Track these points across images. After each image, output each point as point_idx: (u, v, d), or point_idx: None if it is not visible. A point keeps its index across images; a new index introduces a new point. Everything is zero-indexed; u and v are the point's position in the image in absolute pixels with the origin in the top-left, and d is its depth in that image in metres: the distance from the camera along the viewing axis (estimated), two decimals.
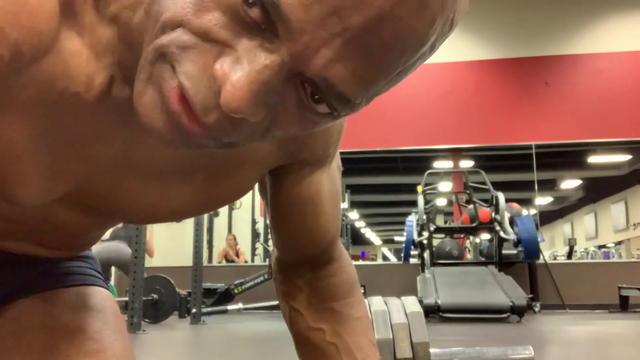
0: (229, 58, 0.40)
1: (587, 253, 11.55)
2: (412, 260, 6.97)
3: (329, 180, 0.73)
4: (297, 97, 0.43)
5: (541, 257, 6.50)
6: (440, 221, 9.80)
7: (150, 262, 6.29)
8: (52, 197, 0.56)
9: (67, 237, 0.68)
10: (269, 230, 0.80)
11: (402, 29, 0.39)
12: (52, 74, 0.47)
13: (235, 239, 8.03)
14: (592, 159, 10.04)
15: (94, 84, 0.50)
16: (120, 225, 5.29)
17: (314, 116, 0.44)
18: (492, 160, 9.34)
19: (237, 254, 8.01)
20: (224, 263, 7.90)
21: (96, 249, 4.79)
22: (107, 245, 5.15)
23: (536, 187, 8.30)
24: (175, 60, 0.41)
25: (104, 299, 0.78)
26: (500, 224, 6.13)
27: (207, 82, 0.41)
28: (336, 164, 0.75)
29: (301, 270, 0.80)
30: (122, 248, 5.13)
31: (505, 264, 6.34)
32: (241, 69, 0.40)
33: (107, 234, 5.33)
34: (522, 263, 6.58)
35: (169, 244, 8.64)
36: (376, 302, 1.74)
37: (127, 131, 0.54)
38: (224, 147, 0.46)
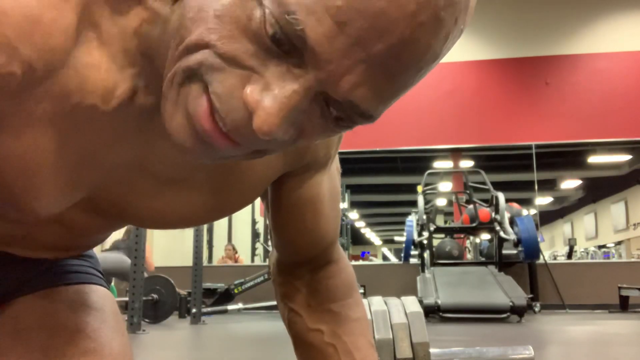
0: (257, 84, 0.42)
1: (587, 253, 11.53)
2: (412, 260, 6.97)
3: (329, 182, 0.74)
4: (321, 111, 0.45)
5: (541, 257, 6.49)
6: (440, 221, 9.80)
7: None
8: (67, 206, 0.57)
9: (77, 237, 0.68)
10: (269, 231, 0.80)
11: (421, 49, 0.41)
12: (66, 87, 0.48)
13: (234, 248, 7.95)
14: (592, 159, 10.03)
15: (113, 94, 0.50)
16: (120, 237, 5.28)
17: (335, 127, 0.47)
18: (492, 160, 9.33)
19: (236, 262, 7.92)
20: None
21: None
22: (108, 255, 5.12)
23: (536, 187, 8.29)
24: (206, 81, 0.43)
25: (102, 298, 0.78)
26: (500, 224, 6.12)
27: (236, 103, 0.42)
28: (335, 166, 0.76)
29: (300, 272, 0.80)
30: (122, 258, 5.10)
31: (505, 264, 6.33)
32: (271, 95, 0.41)
33: (108, 243, 5.30)
34: (522, 263, 6.58)
35: (169, 244, 8.64)
36: (376, 302, 1.74)
37: (142, 137, 0.55)
38: (251, 157, 0.48)
